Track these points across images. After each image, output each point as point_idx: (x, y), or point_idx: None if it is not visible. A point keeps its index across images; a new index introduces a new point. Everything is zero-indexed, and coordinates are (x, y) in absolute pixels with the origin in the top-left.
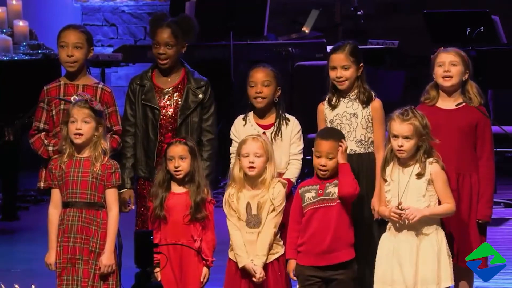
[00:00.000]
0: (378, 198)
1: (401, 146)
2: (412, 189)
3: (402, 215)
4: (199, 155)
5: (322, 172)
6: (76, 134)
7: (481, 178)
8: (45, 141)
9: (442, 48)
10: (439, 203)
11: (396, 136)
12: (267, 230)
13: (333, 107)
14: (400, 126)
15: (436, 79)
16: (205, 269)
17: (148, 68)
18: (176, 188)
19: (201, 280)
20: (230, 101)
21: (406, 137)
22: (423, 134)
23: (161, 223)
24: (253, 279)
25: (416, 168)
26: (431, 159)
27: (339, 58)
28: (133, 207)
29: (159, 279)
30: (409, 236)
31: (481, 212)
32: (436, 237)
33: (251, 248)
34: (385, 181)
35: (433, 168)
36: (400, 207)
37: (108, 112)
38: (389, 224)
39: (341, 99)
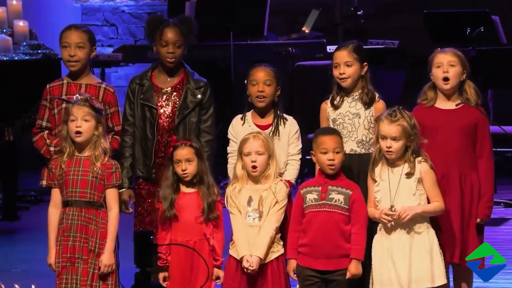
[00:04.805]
0: None
1: (390, 147)
2: (403, 188)
3: (393, 216)
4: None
5: (331, 167)
6: (76, 132)
7: (481, 178)
8: (47, 141)
9: (439, 48)
10: (428, 202)
11: (384, 137)
12: (269, 224)
13: (336, 106)
14: (389, 127)
15: (434, 80)
16: (216, 270)
17: (148, 68)
18: (185, 189)
19: (213, 279)
20: (230, 101)
21: (394, 138)
22: (411, 134)
23: (172, 223)
24: (243, 265)
25: (405, 167)
26: (419, 158)
27: (342, 55)
28: (131, 210)
29: (165, 283)
30: (401, 235)
31: (481, 212)
32: (427, 236)
33: (251, 242)
34: (375, 181)
35: (422, 167)
36: (393, 209)
37: (111, 112)
38: (380, 225)
39: (344, 98)
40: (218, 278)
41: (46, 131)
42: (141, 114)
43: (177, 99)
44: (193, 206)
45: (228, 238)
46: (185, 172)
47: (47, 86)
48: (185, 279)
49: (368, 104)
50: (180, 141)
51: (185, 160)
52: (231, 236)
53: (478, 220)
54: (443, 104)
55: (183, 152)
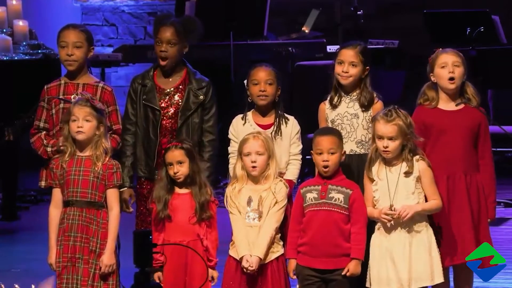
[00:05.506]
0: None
1: (387, 146)
2: (401, 187)
3: (393, 216)
4: (199, 156)
5: (325, 169)
6: (77, 131)
7: (486, 178)
8: (45, 141)
9: (440, 49)
10: (426, 200)
11: (381, 137)
12: (269, 224)
13: (334, 106)
14: (385, 127)
15: (438, 80)
16: (210, 271)
17: (150, 67)
18: (179, 190)
19: (209, 279)
20: (230, 101)
21: (390, 138)
22: (408, 133)
23: (165, 223)
24: (243, 265)
25: (403, 166)
26: (417, 157)
27: (349, 54)
28: (132, 209)
29: (160, 281)
30: (401, 234)
31: (490, 212)
32: (426, 234)
33: (251, 242)
34: (372, 180)
35: (420, 165)
36: (392, 208)
37: (108, 111)
38: (378, 224)
39: (342, 98)
40: (212, 278)
41: (44, 132)
42: (144, 114)
43: (180, 100)
44: (187, 207)
45: (226, 238)
46: (177, 174)
47: (45, 87)
48: (178, 280)
49: (366, 107)
50: (171, 143)
51: (177, 162)
52: (230, 236)
53: (489, 220)
54: (445, 104)
55: (174, 154)
